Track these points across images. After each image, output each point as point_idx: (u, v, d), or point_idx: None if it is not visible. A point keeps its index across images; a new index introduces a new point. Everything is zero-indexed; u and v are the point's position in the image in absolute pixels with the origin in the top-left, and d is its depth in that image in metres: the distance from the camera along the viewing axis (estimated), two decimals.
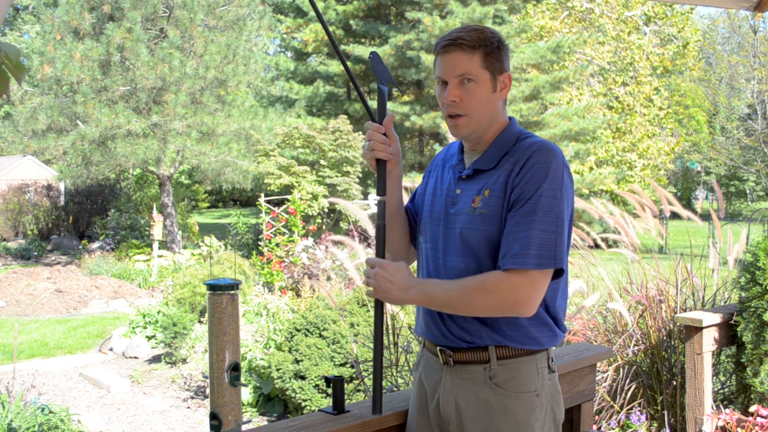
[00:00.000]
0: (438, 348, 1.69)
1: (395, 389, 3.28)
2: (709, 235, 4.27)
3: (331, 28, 17.35)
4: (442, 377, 1.68)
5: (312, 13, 18.07)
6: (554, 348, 1.73)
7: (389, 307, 3.76)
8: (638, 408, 3.55)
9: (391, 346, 3.51)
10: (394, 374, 3.44)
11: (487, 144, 1.67)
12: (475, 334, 1.62)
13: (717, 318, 3.19)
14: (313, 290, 7.21)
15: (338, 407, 1.79)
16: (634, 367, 3.63)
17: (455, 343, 1.65)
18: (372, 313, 4.61)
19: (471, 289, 1.55)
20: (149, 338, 7.55)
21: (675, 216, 4.23)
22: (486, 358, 1.62)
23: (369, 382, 4.25)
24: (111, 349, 7.68)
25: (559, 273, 1.58)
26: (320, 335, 4.92)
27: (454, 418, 1.64)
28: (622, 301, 3.86)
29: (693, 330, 3.15)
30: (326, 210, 12.84)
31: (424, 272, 1.75)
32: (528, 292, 1.52)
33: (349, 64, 16.76)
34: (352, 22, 17.14)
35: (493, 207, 1.59)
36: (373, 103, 1.83)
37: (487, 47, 1.60)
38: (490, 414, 1.60)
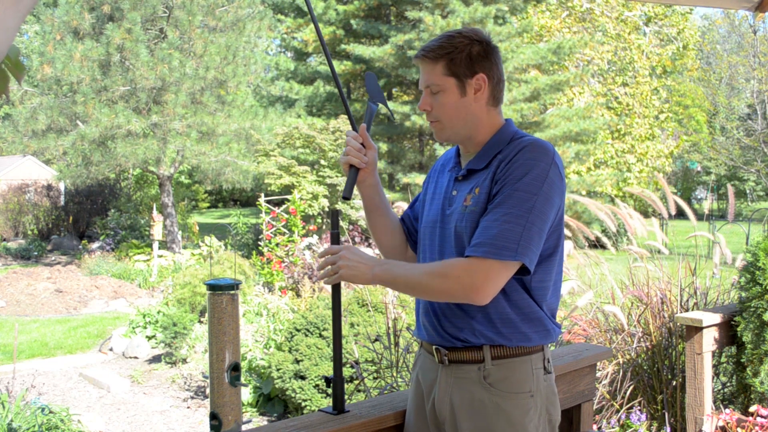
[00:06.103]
0: (434, 347, 1.69)
1: (394, 389, 3.28)
2: (711, 236, 4.26)
3: (331, 28, 17.35)
4: (438, 376, 1.69)
5: None
6: (552, 348, 1.72)
7: (392, 310, 3.76)
8: (638, 407, 3.55)
9: (392, 346, 3.51)
10: (395, 375, 3.44)
11: (480, 145, 1.69)
12: (468, 332, 1.62)
13: (717, 318, 3.19)
14: (314, 290, 7.21)
15: (338, 407, 1.79)
16: (633, 366, 3.63)
17: (450, 342, 1.65)
18: (372, 313, 4.61)
19: (431, 272, 1.59)
20: (149, 338, 7.55)
21: (678, 215, 4.22)
22: (480, 358, 1.62)
23: (369, 383, 4.25)
24: (111, 349, 7.68)
25: (525, 270, 1.56)
26: (320, 335, 4.92)
27: (448, 418, 1.65)
28: (624, 299, 3.86)
29: (693, 330, 3.15)
30: (326, 210, 12.84)
31: None
32: (483, 280, 1.51)
33: (349, 63, 16.76)
34: (352, 21, 17.14)
35: (480, 204, 1.60)
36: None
37: (451, 53, 1.62)
38: (484, 414, 1.61)
